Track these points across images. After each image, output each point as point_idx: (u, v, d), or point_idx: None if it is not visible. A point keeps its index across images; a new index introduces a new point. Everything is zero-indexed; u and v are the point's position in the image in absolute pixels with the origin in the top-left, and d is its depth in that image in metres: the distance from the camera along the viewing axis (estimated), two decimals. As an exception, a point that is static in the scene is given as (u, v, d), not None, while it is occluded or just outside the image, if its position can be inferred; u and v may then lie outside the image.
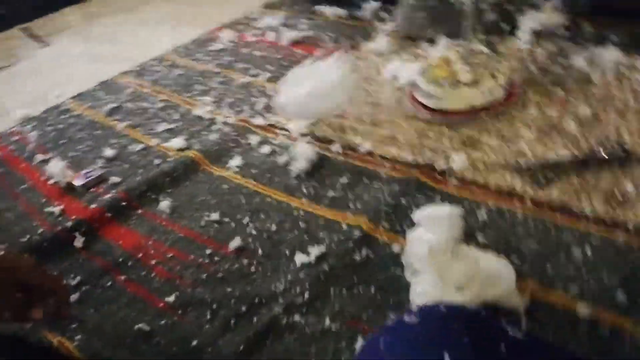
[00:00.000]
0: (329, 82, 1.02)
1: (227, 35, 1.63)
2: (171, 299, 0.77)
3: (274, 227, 0.86)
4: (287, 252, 0.80)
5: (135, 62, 1.59)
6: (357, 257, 0.76)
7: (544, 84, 1.07)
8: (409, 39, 1.38)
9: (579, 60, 1.11)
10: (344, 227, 0.83)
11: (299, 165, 0.98)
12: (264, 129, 1.13)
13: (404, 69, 1.19)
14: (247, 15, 1.79)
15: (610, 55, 1.09)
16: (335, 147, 1.02)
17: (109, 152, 1.16)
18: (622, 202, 0.75)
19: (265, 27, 1.67)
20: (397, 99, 1.14)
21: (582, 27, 1.24)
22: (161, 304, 0.76)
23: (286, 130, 1.10)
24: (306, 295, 0.71)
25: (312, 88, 1.01)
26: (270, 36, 1.57)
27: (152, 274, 0.82)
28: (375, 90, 1.19)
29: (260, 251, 0.82)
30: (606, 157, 0.83)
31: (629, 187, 0.77)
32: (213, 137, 1.13)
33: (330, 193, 0.91)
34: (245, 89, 1.32)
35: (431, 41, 1.32)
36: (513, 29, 1.27)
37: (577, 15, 1.27)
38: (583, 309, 0.61)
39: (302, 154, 0.99)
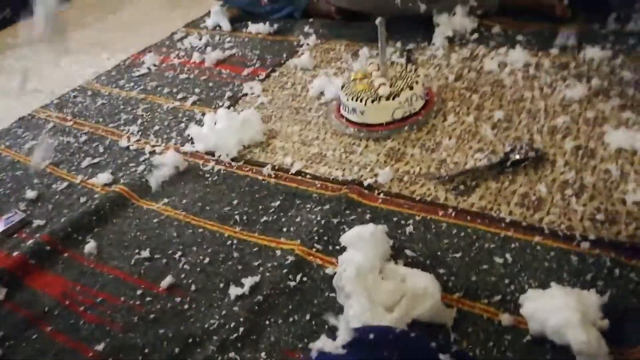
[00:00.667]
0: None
1: (150, 59, 1.59)
2: (101, 346, 0.74)
3: (207, 260, 0.85)
4: (221, 285, 0.80)
5: (56, 94, 1.52)
6: (292, 284, 0.77)
7: (460, 90, 1.11)
8: (330, 50, 1.40)
9: (490, 64, 1.16)
10: (278, 252, 0.83)
11: (230, 192, 0.97)
12: (194, 156, 1.11)
13: (329, 84, 1.21)
14: (170, 37, 1.76)
15: (519, 56, 1.15)
16: (267, 170, 1.02)
17: (30, 193, 1.10)
18: (537, 204, 0.79)
19: (189, 47, 1.64)
20: (325, 114, 1.15)
21: (492, 29, 1.31)
22: (90, 354, 0.73)
23: (216, 156, 1.09)
24: (241, 329, 0.71)
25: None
26: (195, 57, 1.55)
27: (81, 322, 0.79)
28: (302, 107, 1.20)
29: (193, 286, 0.81)
30: (519, 160, 0.87)
31: (543, 189, 0.82)
32: (141, 168, 1.10)
33: (264, 218, 0.91)
34: (173, 114, 1.29)
35: (355, 55, 1.35)
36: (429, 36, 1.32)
37: (486, 18, 1.34)
38: (506, 318, 0.64)
39: (232, 182, 0.99)
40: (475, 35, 1.29)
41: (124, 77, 1.54)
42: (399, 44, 1.35)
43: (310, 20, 1.63)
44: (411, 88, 1.03)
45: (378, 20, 1.01)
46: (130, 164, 1.13)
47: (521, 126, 0.97)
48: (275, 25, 1.64)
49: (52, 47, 1.92)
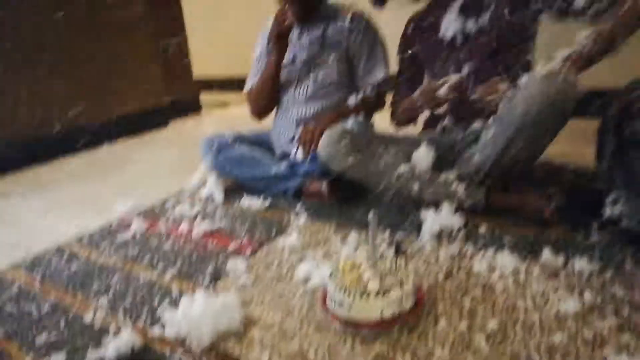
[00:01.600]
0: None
1: (137, 224, 1.57)
2: None
3: None
4: None
5: (32, 251, 1.46)
6: None
7: (450, 291, 1.08)
8: (320, 232, 1.40)
9: (480, 265, 1.15)
10: None
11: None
12: (162, 342, 1.01)
13: (316, 269, 1.18)
14: (162, 202, 1.77)
15: (507, 260, 1.15)
16: (240, 365, 0.92)
17: (-32, 371, 0.97)
18: None
19: (180, 215, 1.64)
20: (309, 303, 1.09)
21: (479, 228, 1.33)
22: None
23: (187, 345, 0.99)
24: None
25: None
26: (184, 226, 1.54)
27: None
28: (286, 292, 1.14)
29: None
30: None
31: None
32: (99, 353, 0.99)
33: None
34: (148, 288, 1.22)
35: (344, 238, 1.35)
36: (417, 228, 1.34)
37: (473, 216, 1.38)
38: None
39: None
40: (463, 233, 1.31)
41: (106, 240, 1.50)
42: (387, 233, 1.35)
43: (303, 200, 1.68)
44: (402, 285, 1.00)
45: (370, 215, 1.02)
46: (89, 347, 1.02)
47: (517, 340, 0.91)
48: (268, 201, 1.68)
49: (36, 199, 1.92)
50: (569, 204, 1.41)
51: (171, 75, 3.37)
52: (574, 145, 1.70)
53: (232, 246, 1.39)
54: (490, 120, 1.39)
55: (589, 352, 0.86)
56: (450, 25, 1.49)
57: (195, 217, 1.61)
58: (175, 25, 3.45)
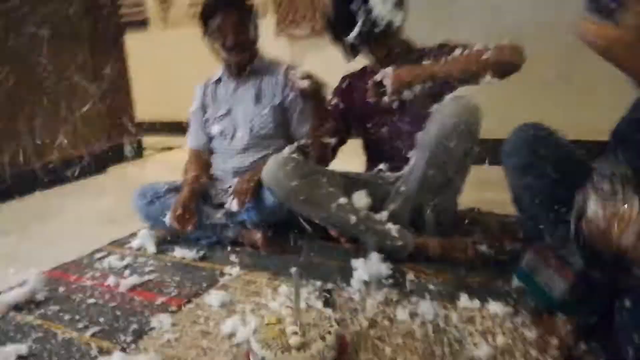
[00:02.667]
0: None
1: (61, 278, 1.51)
2: None
3: None
4: None
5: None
6: None
7: (373, 339, 1.10)
8: (252, 283, 1.39)
9: (403, 312, 1.19)
10: None
11: None
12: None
13: (243, 325, 1.17)
14: (90, 255, 1.72)
15: (429, 307, 1.19)
16: None
17: None
18: None
19: (107, 268, 1.59)
20: (234, 359, 1.08)
21: (406, 275, 1.38)
22: None
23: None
24: None
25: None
26: (111, 280, 1.49)
27: None
28: (211, 348, 1.13)
29: None
30: None
31: None
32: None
33: None
34: (66, 347, 1.16)
35: (275, 290, 1.35)
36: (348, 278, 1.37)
37: (400, 263, 1.43)
38: None
39: None
40: (390, 281, 1.35)
41: (25, 297, 1.43)
42: (318, 284, 1.37)
43: (238, 249, 1.68)
44: (323, 339, 1.01)
45: (293, 271, 1.04)
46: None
47: (432, 388, 0.94)
48: (202, 252, 1.67)
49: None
50: (493, 251, 1.50)
51: (112, 119, 3.32)
52: (498, 193, 1.80)
53: (159, 300, 1.36)
54: (412, 152, 1.49)
55: (498, 398, 0.90)
56: (387, 72, 1.56)
57: (124, 270, 1.57)
58: (117, 69, 3.43)
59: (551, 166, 1.07)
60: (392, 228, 1.46)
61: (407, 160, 1.57)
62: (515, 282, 1.22)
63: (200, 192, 1.79)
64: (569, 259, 1.05)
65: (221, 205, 1.83)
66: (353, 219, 1.46)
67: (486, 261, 1.41)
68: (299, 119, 1.80)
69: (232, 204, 1.72)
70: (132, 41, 3.70)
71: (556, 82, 2.24)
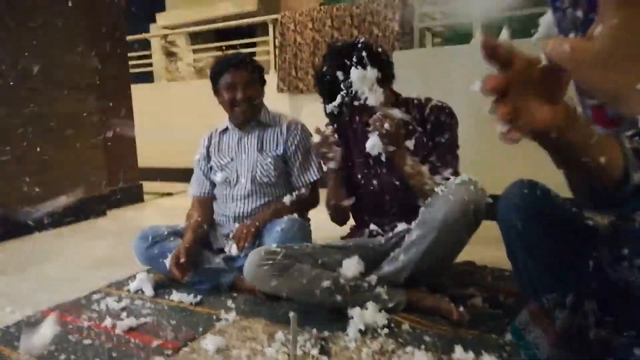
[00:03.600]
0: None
1: (57, 318, 1.51)
2: None
3: None
4: None
5: None
6: None
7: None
8: (248, 329, 1.40)
9: (398, 364, 1.19)
10: None
11: None
12: None
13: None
14: (88, 296, 1.72)
15: (424, 358, 1.20)
16: None
17: None
18: None
19: (104, 310, 1.60)
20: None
21: (401, 326, 1.39)
22: None
23: None
24: None
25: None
26: (107, 321, 1.49)
27: None
28: (206, 393, 1.12)
29: None
30: None
31: None
32: None
33: None
34: (60, 388, 1.16)
35: (271, 336, 1.36)
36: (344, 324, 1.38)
37: (395, 314, 1.44)
38: None
39: None
40: (386, 330, 1.36)
41: (22, 336, 1.42)
42: (314, 331, 1.38)
43: (235, 295, 1.69)
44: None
45: (291, 315, 1.06)
46: None
47: None
48: (199, 297, 1.68)
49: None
50: (486, 305, 1.52)
51: (115, 164, 3.40)
52: (491, 248, 1.84)
53: (155, 343, 1.36)
54: (413, 224, 1.49)
55: None
56: (377, 142, 1.62)
57: (121, 312, 1.57)
58: (123, 116, 3.55)
59: (546, 226, 1.07)
60: (382, 291, 1.46)
61: (393, 217, 1.61)
62: (509, 336, 1.24)
63: (201, 238, 1.83)
64: (558, 318, 1.08)
65: (221, 251, 1.86)
66: (339, 298, 1.45)
67: (479, 318, 1.43)
68: (299, 169, 1.88)
69: (232, 249, 1.76)
70: (138, 92, 3.86)
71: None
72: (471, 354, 1.22)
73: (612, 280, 1.04)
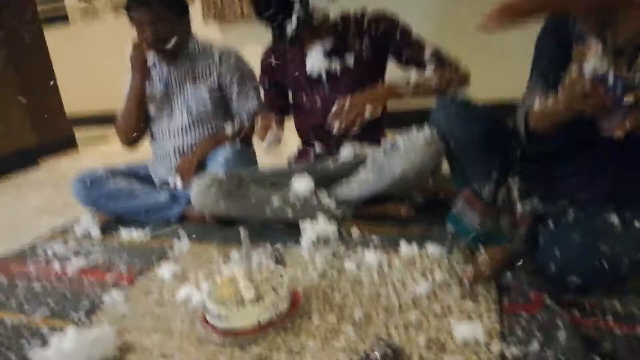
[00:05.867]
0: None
1: (3, 268, 1.46)
2: None
3: None
4: None
5: None
6: None
7: (324, 289, 1.16)
8: (202, 254, 1.42)
9: (350, 264, 1.26)
10: None
11: None
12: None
13: (197, 291, 1.20)
14: (32, 244, 1.67)
15: (374, 256, 1.27)
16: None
17: None
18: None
19: (51, 255, 1.56)
20: (190, 323, 1.11)
21: (350, 231, 1.45)
22: None
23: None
24: None
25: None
26: (56, 266, 1.46)
27: None
28: (167, 315, 1.15)
29: None
30: (379, 359, 0.89)
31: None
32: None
33: None
34: (15, 332, 1.15)
35: (226, 257, 1.38)
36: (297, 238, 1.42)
37: (345, 222, 1.50)
38: None
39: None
40: (336, 238, 1.42)
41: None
42: (268, 245, 1.42)
43: (185, 224, 1.69)
44: (276, 291, 1.06)
45: (242, 233, 1.07)
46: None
47: (380, 322, 1.01)
48: (148, 231, 1.66)
49: None
50: (426, 203, 1.60)
51: (40, 113, 3.17)
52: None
53: (109, 279, 1.36)
54: (369, 163, 1.47)
55: (437, 323, 0.99)
56: (316, 63, 1.59)
57: (69, 256, 1.54)
58: (41, 63, 3.27)
59: (474, 125, 1.19)
60: (331, 204, 1.49)
61: (339, 140, 1.62)
62: (449, 227, 1.32)
63: (143, 175, 1.81)
64: (486, 195, 1.19)
65: (164, 186, 1.83)
66: (290, 214, 1.48)
67: (421, 215, 1.51)
68: (238, 98, 1.82)
69: (177, 182, 1.73)
70: (54, 36, 3.54)
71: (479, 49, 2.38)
72: (415, 247, 1.30)
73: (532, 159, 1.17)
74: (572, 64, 0.88)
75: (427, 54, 1.51)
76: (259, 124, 1.59)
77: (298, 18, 1.47)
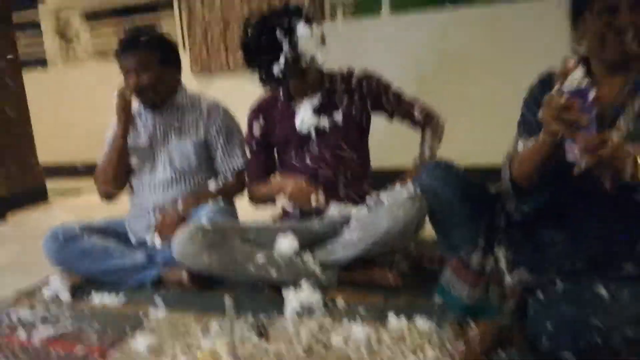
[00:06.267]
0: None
1: (-40, 339, 1.35)
2: None
3: None
4: None
5: None
6: None
7: (311, 368, 1.11)
8: (179, 324, 1.35)
9: (337, 339, 1.21)
10: None
11: None
12: None
13: (174, 367, 1.13)
14: (-6, 309, 1.56)
15: (361, 330, 1.23)
16: None
17: None
18: None
19: (16, 321, 1.46)
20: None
21: (336, 301, 1.41)
22: None
23: None
24: None
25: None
26: (21, 334, 1.36)
27: None
28: (141, 395, 1.07)
29: None
30: None
31: None
32: None
33: None
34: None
35: (205, 328, 1.32)
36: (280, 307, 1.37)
37: (330, 291, 1.46)
38: None
39: None
40: (322, 308, 1.37)
41: None
42: (250, 316, 1.36)
43: (161, 290, 1.62)
44: (260, 371, 1.00)
45: (226, 300, 1.03)
46: None
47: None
48: (122, 296, 1.58)
49: None
50: (412, 271, 1.59)
51: (12, 162, 3.07)
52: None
53: (79, 351, 1.27)
54: (353, 221, 1.48)
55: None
56: (305, 119, 1.61)
57: (36, 323, 1.44)
58: (17, 108, 3.20)
59: (461, 192, 1.21)
60: (316, 268, 1.47)
61: (325, 195, 1.60)
62: (437, 298, 1.30)
63: (119, 233, 1.74)
64: (474, 264, 1.18)
65: (141, 246, 1.76)
66: (274, 273, 1.45)
67: (407, 283, 1.49)
68: (223, 153, 1.80)
69: (155, 240, 1.67)
70: (32, 79, 3.50)
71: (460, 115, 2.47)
72: (404, 319, 1.27)
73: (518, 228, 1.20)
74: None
75: (417, 113, 1.62)
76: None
77: (286, 60, 1.50)
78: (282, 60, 1.50)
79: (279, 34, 1.48)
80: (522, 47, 2.62)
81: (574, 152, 0.90)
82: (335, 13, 3.70)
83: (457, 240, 1.22)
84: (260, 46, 1.51)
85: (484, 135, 2.51)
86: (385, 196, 1.42)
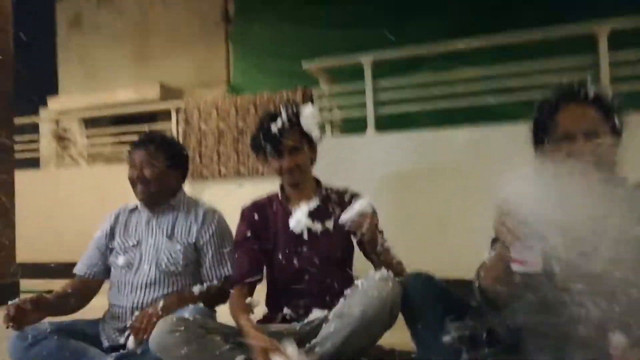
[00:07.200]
0: None
1: None
2: None
3: None
4: None
5: None
6: None
7: None
8: None
9: None
10: None
11: None
12: None
13: None
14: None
15: None
16: None
17: None
18: None
19: None
20: None
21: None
22: None
23: None
24: None
25: None
26: None
27: None
28: None
29: None
30: None
31: None
32: None
33: None
34: None
35: None
36: None
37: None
38: None
39: None
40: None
41: None
42: None
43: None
44: None
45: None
46: None
47: None
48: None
49: None
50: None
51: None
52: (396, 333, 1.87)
53: None
54: (331, 315, 1.48)
55: None
56: (300, 220, 1.67)
57: None
58: (3, 204, 3.21)
59: (441, 305, 1.30)
60: None
61: (309, 299, 1.60)
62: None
63: (46, 304, 1.71)
64: None
65: (113, 349, 1.67)
66: None
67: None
68: (212, 261, 1.78)
69: (129, 342, 1.59)
70: (23, 178, 3.57)
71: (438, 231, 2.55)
72: None
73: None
74: None
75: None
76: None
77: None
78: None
79: (286, 114, 1.67)
80: (503, 167, 2.78)
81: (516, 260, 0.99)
82: (324, 130, 3.96)
83: (441, 351, 1.24)
84: (267, 138, 1.67)
85: (465, 250, 2.56)
86: (359, 282, 1.46)
